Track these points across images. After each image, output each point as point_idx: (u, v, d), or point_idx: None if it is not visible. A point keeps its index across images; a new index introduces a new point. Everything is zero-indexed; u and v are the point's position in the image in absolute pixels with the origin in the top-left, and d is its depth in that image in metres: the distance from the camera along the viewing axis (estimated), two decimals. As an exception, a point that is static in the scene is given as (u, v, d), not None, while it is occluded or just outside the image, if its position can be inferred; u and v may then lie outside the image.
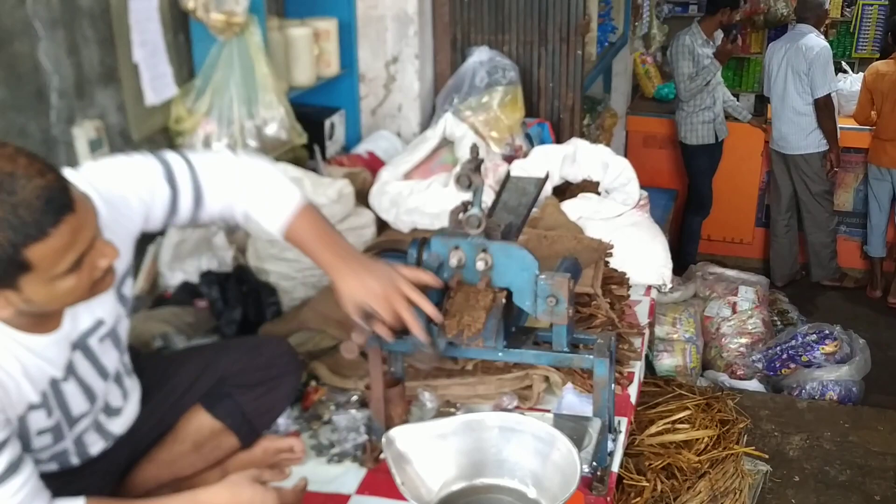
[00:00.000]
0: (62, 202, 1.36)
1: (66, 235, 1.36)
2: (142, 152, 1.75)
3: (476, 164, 1.83)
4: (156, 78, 2.58)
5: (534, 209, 2.26)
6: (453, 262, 1.84)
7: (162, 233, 2.59)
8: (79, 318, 1.60)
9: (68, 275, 1.41)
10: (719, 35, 5.96)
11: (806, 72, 5.40)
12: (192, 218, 1.77)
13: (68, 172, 1.52)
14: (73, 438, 1.68)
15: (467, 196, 1.85)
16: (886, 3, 7.24)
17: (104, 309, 1.64)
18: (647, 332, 2.67)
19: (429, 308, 1.76)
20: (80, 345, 1.61)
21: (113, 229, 1.55)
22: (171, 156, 1.74)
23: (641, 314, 2.76)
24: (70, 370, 1.60)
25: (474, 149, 1.87)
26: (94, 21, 2.36)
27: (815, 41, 5.43)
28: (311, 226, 1.79)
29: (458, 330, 1.81)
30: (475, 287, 1.85)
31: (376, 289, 1.72)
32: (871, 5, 7.35)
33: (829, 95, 5.43)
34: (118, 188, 1.63)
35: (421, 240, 1.90)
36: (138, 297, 2.52)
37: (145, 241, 2.61)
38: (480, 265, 1.82)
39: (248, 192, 1.78)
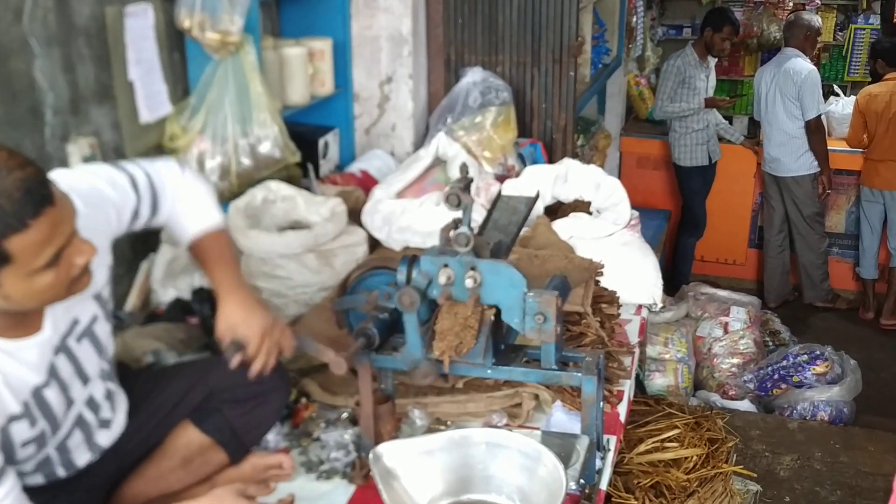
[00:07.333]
0: (42, 194, 1.38)
1: (46, 228, 1.38)
2: (102, 163, 1.85)
3: (465, 182, 1.85)
4: (150, 96, 2.61)
5: (525, 228, 2.28)
6: (442, 279, 1.85)
7: (154, 249, 2.61)
8: (58, 321, 1.61)
9: (47, 270, 1.42)
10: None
11: (795, 95, 5.44)
12: (147, 224, 1.87)
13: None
14: (56, 445, 1.68)
15: (457, 214, 1.87)
16: (879, 27, 7.29)
17: (78, 308, 1.66)
18: (637, 350, 2.68)
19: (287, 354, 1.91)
20: (62, 347, 1.62)
21: (91, 230, 1.57)
22: (130, 166, 1.83)
23: (632, 333, 2.77)
24: (52, 373, 1.60)
25: (464, 168, 1.89)
26: (90, 39, 2.39)
27: (801, 65, 5.47)
28: (219, 247, 1.91)
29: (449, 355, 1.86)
30: (464, 305, 1.87)
31: (255, 325, 1.81)
32: (864, 29, 7.40)
33: (819, 117, 5.47)
34: (94, 190, 1.69)
35: (411, 257, 1.92)
36: (131, 314, 2.53)
37: (137, 257, 2.63)
38: (469, 283, 1.83)
39: (178, 199, 1.88)
